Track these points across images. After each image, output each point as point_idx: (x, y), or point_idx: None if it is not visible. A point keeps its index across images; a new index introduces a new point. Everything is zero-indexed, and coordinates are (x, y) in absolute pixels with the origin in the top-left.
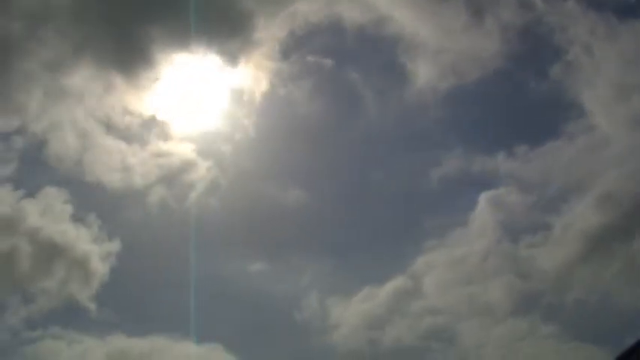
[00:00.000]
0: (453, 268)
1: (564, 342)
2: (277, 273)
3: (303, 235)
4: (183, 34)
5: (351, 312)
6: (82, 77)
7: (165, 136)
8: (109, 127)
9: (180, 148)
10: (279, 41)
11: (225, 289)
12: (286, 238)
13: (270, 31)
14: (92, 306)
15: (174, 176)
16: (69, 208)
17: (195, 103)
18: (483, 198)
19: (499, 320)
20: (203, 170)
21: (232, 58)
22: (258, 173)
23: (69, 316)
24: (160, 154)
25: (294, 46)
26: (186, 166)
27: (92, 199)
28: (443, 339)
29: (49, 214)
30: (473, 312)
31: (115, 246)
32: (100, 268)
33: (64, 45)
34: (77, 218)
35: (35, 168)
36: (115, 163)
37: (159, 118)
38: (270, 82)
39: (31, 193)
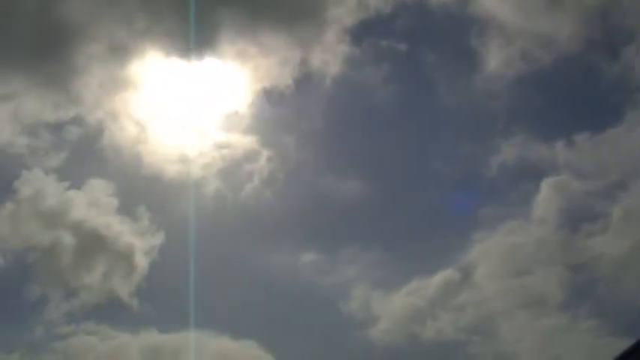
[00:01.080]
0: (505, 259)
1: (601, 337)
2: (327, 264)
3: (357, 226)
4: (249, 17)
5: (395, 305)
6: (139, 66)
7: (228, 127)
8: (167, 118)
9: (242, 139)
10: (351, 23)
11: (273, 282)
12: (339, 229)
13: (342, 12)
14: (130, 301)
15: (232, 167)
16: (114, 201)
17: (260, 90)
18: (542, 186)
19: (544, 314)
20: (263, 161)
21: (301, 41)
22: (318, 164)
23: (105, 311)
24: (220, 145)
25: (366, 29)
26: (246, 157)
27: (144, 192)
28: (484, 332)
29: (95, 207)
30: (519, 305)
31: (157, 239)
32: (142, 262)
33: (122, 33)
34: (123, 211)
35: (87, 159)
36: (173, 154)
37: (222, 107)
38: (341, 67)
39: (77, 185)
